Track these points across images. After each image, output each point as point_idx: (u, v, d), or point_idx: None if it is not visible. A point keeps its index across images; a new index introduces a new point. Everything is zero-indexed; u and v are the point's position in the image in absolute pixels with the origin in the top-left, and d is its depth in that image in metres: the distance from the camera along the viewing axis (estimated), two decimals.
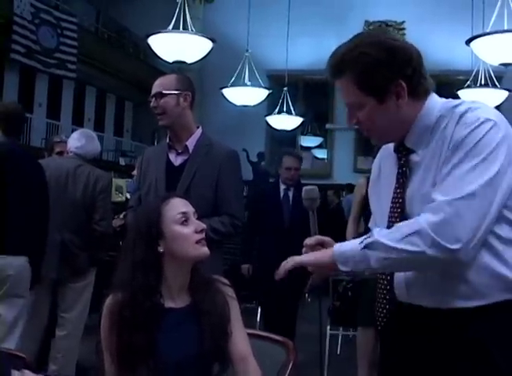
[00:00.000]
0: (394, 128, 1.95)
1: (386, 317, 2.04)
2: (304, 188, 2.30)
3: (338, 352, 6.40)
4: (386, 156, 2.12)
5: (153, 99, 3.55)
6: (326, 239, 2.07)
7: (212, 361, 2.30)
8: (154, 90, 3.56)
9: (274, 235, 5.72)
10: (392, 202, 2.00)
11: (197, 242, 2.29)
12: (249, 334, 2.41)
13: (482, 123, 1.80)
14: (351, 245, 1.87)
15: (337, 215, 10.44)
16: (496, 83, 11.57)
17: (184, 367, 2.24)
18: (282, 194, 5.89)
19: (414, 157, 1.95)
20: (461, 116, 1.84)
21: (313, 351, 5.23)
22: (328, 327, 5.70)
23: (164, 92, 3.53)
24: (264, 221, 5.88)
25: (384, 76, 1.87)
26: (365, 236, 1.85)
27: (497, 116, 1.86)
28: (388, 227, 1.95)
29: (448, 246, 1.72)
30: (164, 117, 3.56)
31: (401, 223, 1.84)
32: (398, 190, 1.98)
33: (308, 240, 2.06)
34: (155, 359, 2.21)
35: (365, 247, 1.82)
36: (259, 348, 2.41)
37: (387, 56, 1.87)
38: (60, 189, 4.70)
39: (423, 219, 1.76)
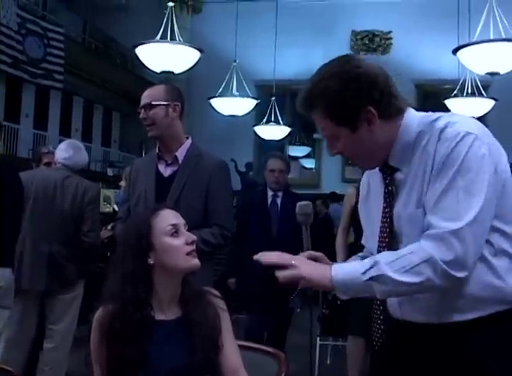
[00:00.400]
0: (374, 152, 1.95)
1: (382, 337, 2.03)
2: (299, 204, 2.29)
3: (328, 362, 6.39)
4: (373, 173, 2.11)
5: (142, 110, 3.54)
6: (318, 254, 2.07)
7: (203, 373, 2.29)
8: (143, 101, 3.55)
9: (262, 245, 5.10)
10: (381, 221, 2.00)
11: (188, 254, 2.28)
12: (240, 346, 2.40)
13: (463, 137, 1.80)
14: (353, 273, 1.82)
15: (325, 224, 10.44)
16: (483, 92, 11.61)
17: None
18: (269, 201, 5.62)
19: (399, 176, 1.96)
20: (441, 131, 1.84)
21: (303, 361, 5.19)
22: (318, 338, 5.66)
23: (153, 103, 3.51)
24: (252, 230, 5.56)
25: (350, 105, 1.87)
26: (368, 265, 1.80)
27: (477, 127, 1.86)
28: (380, 247, 1.97)
29: (458, 275, 1.74)
30: (153, 128, 3.54)
31: (405, 251, 1.80)
32: (386, 210, 1.99)
33: (301, 256, 2.04)
34: (145, 371, 2.19)
35: (370, 279, 1.78)
36: (250, 360, 2.40)
37: (351, 85, 1.86)
38: (48, 200, 4.68)
39: (429, 248, 1.75)
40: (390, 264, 1.78)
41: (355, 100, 1.86)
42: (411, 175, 1.90)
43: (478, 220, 1.75)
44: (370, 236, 2.10)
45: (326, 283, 1.84)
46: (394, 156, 1.94)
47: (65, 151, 4.88)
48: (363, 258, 2.23)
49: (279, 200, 5.58)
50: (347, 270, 1.85)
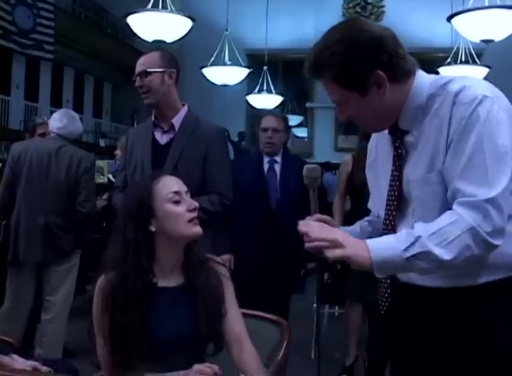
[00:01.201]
0: (384, 115, 1.93)
1: (388, 301, 2.03)
2: (306, 167, 2.25)
3: (324, 330, 6.42)
4: (381, 136, 2.10)
5: (138, 77, 3.50)
6: (326, 218, 2.04)
7: (207, 341, 2.29)
8: (138, 68, 3.51)
9: (256, 221, 4.58)
10: (390, 185, 1.99)
11: (190, 221, 2.26)
12: (243, 314, 2.39)
13: (481, 101, 1.77)
14: (393, 251, 1.74)
15: (320, 193, 10.43)
16: (477, 60, 11.57)
17: (178, 347, 2.21)
18: (266, 168, 4.70)
19: (409, 138, 1.94)
20: (456, 95, 1.81)
21: (303, 328, 5.22)
22: (314, 305, 5.69)
23: (148, 70, 3.47)
24: (242, 204, 4.42)
25: (359, 70, 1.84)
26: (409, 241, 1.73)
27: (493, 91, 1.84)
28: (388, 210, 1.97)
29: (496, 243, 1.73)
30: (149, 96, 3.50)
31: (443, 221, 1.74)
32: (395, 173, 1.97)
33: (309, 219, 2.01)
34: (148, 339, 2.18)
35: (413, 256, 1.73)
36: (253, 327, 2.40)
37: (357, 51, 1.83)
38: (43, 170, 4.66)
39: (469, 218, 1.72)
40: (431, 238, 1.72)
41: (363, 65, 1.84)
42: (422, 138, 1.89)
43: (509, 187, 1.74)
44: (378, 199, 2.09)
45: (366, 264, 1.76)
46: (404, 118, 1.93)
47: (59, 121, 4.85)
48: (370, 222, 2.23)
49: (277, 168, 4.69)
50: (383, 245, 1.78)
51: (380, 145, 2.12)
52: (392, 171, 1.98)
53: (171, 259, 2.30)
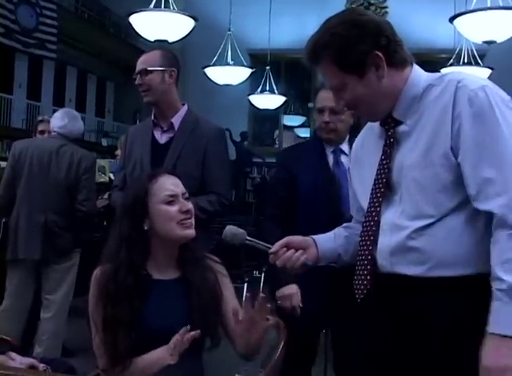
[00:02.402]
0: (380, 100, 1.97)
1: (366, 289, 2.02)
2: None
3: None
4: (369, 135, 2.15)
5: (138, 76, 3.51)
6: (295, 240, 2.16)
7: (202, 335, 2.29)
8: (139, 67, 3.52)
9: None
10: (377, 174, 2.02)
11: (181, 222, 2.28)
12: None
13: (485, 87, 1.83)
14: (506, 313, 1.71)
15: None
16: (479, 61, 11.58)
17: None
18: (331, 161, 3.45)
19: (402, 128, 1.98)
20: (459, 81, 1.85)
21: None
22: None
23: (148, 68, 3.48)
24: (304, 213, 3.34)
25: (358, 50, 1.90)
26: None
27: (488, 81, 1.89)
28: (372, 199, 2.01)
29: None
30: (149, 94, 3.51)
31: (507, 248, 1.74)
32: (384, 161, 2.00)
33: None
34: (139, 330, 2.21)
35: None
36: None
37: (357, 31, 1.91)
38: (43, 169, 4.67)
39: None
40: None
41: (361, 45, 1.90)
42: (417, 126, 1.93)
43: None
44: (362, 194, 2.12)
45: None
46: (399, 108, 1.97)
47: (60, 119, 4.85)
48: (346, 227, 2.28)
49: (345, 160, 3.39)
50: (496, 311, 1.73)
51: (367, 140, 2.17)
52: (381, 160, 2.01)
53: (166, 256, 2.35)
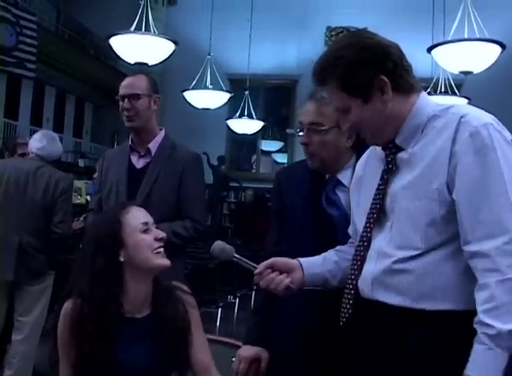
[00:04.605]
0: (384, 125, 1.96)
1: (348, 313, 2.02)
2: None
3: None
4: (373, 154, 2.14)
5: (126, 99, 3.46)
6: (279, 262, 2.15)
7: (170, 370, 2.28)
8: (127, 90, 3.48)
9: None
10: (374, 199, 2.01)
11: (157, 251, 2.26)
12: (209, 340, 2.40)
13: (488, 123, 1.82)
14: (489, 358, 1.70)
15: None
16: (456, 91, 11.70)
17: None
18: (324, 196, 2.54)
19: (402, 155, 1.96)
20: (463, 116, 1.84)
21: None
22: None
23: (140, 93, 3.46)
24: (290, 245, 2.54)
25: (364, 74, 1.89)
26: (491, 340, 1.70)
27: (493, 118, 1.88)
28: (367, 223, 2.01)
29: None
30: (135, 119, 3.48)
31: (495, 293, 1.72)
32: (381, 187, 2.00)
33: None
34: (114, 369, 2.18)
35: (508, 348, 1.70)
36: (220, 353, 2.41)
37: (364, 55, 1.89)
38: (20, 190, 4.64)
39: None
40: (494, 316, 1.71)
41: (368, 68, 1.89)
42: (417, 156, 1.91)
43: None
44: (359, 217, 2.12)
45: None
46: (402, 135, 1.95)
47: (39, 141, 4.84)
48: (338, 251, 2.26)
49: (342, 195, 2.48)
50: (473, 362, 1.73)
51: (369, 162, 2.15)
52: (379, 185, 2.00)
53: (141, 290, 2.29)
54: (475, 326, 1.73)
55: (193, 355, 2.29)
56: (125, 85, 3.50)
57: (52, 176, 4.72)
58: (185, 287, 2.44)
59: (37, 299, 4.75)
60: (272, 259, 2.15)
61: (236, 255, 2.18)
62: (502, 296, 1.69)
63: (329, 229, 2.46)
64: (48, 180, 4.69)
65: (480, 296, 1.73)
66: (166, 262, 2.28)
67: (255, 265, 2.15)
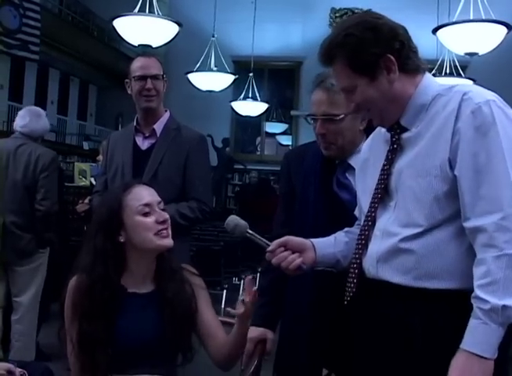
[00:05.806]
0: (390, 105, 1.97)
1: (352, 292, 2.03)
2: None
3: None
4: (377, 137, 2.15)
5: (149, 80, 3.47)
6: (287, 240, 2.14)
7: (175, 350, 2.29)
8: (150, 71, 3.50)
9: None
10: (379, 179, 2.03)
11: (158, 233, 2.26)
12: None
13: (490, 101, 1.83)
14: (483, 333, 1.71)
15: None
16: (461, 72, 11.65)
17: (145, 353, 2.23)
18: (335, 180, 2.56)
19: (407, 135, 1.98)
20: (465, 93, 1.85)
21: None
22: None
23: (160, 74, 3.52)
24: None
25: (371, 53, 1.91)
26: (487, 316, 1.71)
27: (496, 95, 1.88)
28: (372, 203, 2.02)
29: None
30: (155, 99, 3.52)
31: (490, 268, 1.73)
32: (386, 167, 2.01)
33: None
34: (114, 346, 2.20)
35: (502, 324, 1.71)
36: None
37: (372, 34, 1.91)
38: (1, 170, 4.58)
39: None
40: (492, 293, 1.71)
41: (375, 47, 1.90)
42: (421, 135, 1.93)
43: None
44: (364, 198, 2.13)
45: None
46: (406, 114, 1.97)
47: (22, 118, 4.79)
48: (347, 232, 2.26)
49: (352, 178, 2.48)
50: (471, 332, 1.74)
51: (374, 145, 2.16)
52: (384, 165, 2.02)
53: (143, 268, 2.31)
54: (472, 301, 1.74)
55: (208, 334, 2.31)
56: (144, 66, 3.51)
57: (32, 153, 4.67)
58: (193, 269, 2.45)
59: (31, 279, 4.74)
60: (286, 238, 2.15)
61: (250, 231, 2.17)
62: (498, 272, 1.71)
63: (341, 213, 2.45)
64: (29, 158, 4.65)
65: (477, 271, 1.76)
66: (167, 242, 2.28)
67: (268, 242, 2.14)
